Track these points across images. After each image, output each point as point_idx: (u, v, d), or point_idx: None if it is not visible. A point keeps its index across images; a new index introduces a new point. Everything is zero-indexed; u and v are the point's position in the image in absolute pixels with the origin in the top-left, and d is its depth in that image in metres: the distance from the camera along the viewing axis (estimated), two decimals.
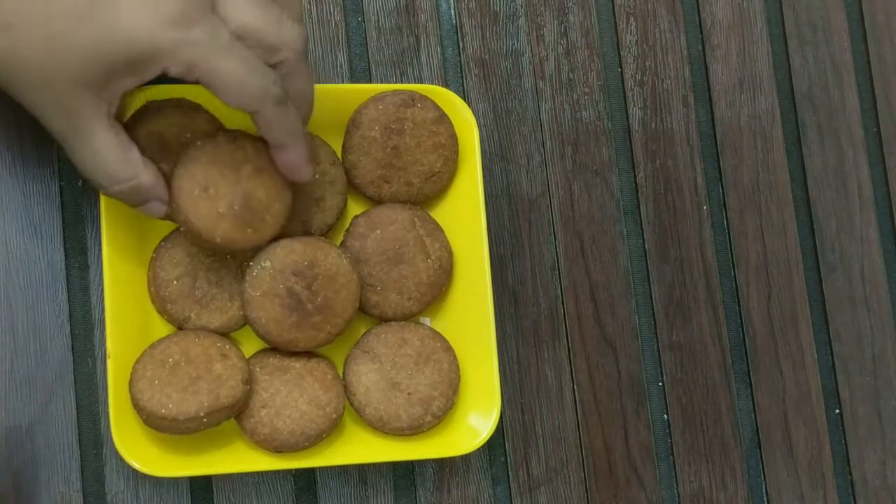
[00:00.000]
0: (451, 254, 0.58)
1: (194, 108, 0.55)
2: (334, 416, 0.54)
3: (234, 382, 0.52)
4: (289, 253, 0.53)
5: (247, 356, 0.55)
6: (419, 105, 0.57)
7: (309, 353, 0.56)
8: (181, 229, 0.53)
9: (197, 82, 0.48)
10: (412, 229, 0.57)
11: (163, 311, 0.55)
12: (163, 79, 0.48)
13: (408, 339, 0.57)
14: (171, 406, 0.51)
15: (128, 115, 0.54)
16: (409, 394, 0.56)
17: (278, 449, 0.54)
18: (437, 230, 0.58)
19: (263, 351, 0.56)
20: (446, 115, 0.58)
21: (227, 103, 0.48)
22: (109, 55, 0.45)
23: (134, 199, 0.50)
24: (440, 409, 0.56)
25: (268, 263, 0.53)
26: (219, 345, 0.54)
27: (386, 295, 0.57)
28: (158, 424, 0.51)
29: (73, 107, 0.47)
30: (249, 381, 0.53)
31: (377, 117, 0.57)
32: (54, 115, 0.47)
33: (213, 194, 0.51)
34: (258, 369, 0.54)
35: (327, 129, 0.57)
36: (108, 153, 0.48)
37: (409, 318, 0.58)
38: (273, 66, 0.49)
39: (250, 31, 0.48)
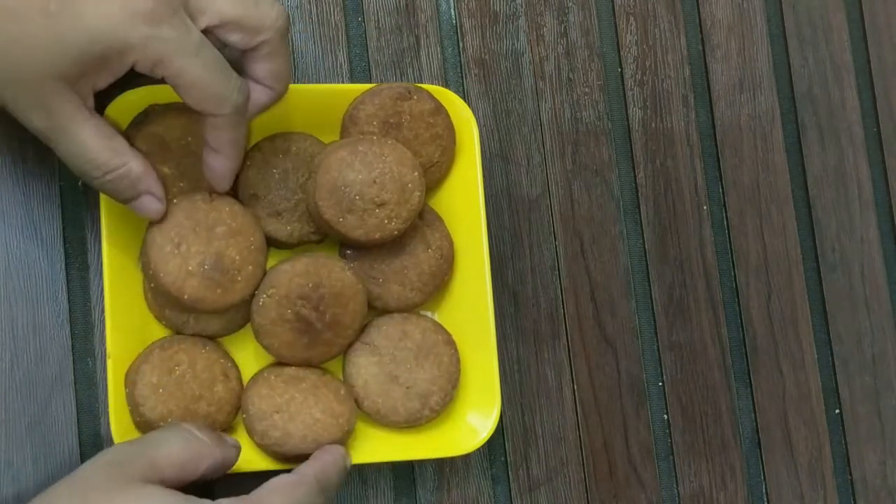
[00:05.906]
0: (451, 243, 0.58)
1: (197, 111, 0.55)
2: (346, 428, 0.54)
3: (229, 409, 0.54)
4: (292, 277, 0.53)
5: (247, 358, 0.56)
6: (415, 97, 0.57)
7: (324, 369, 0.56)
8: (150, 285, 0.53)
9: (163, 80, 0.48)
10: None
11: (160, 317, 0.54)
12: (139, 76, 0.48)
13: (409, 331, 0.56)
14: (170, 421, 0.51)
15: (131, 118, 0.54)
16: (407, 388, 0.56)
17: (286, 455, 0.53)
18: (436, 220, 0.58)
19: (279, 363, 0.56)
20: (442, 106, 0.58)
21: (188, 104, 0.48)
22: (81, 49, 0.46)
23: (126, 191, 0.50)
24: (438, 403, 0.56)
25: (273, 290, 0.53)
26: (222, 361, 0.54)
27: (388, 287, 0.57)
28: (150, 430, 0.51)
29: (51, 101, 0.47)
30: (238, 406, 0.54)
31: (375, 112, 0.57)
32: (34, 113, 0.47)
33: (185, 251, 0.51)
34: (273, 377, 0.54)
35: (327, 129, 0.57)
36: (93, 142, 0.48)
37: (413, 308, 0.58)
38: (256, 48, 0.50)
39: (229, 19, 0.49)
